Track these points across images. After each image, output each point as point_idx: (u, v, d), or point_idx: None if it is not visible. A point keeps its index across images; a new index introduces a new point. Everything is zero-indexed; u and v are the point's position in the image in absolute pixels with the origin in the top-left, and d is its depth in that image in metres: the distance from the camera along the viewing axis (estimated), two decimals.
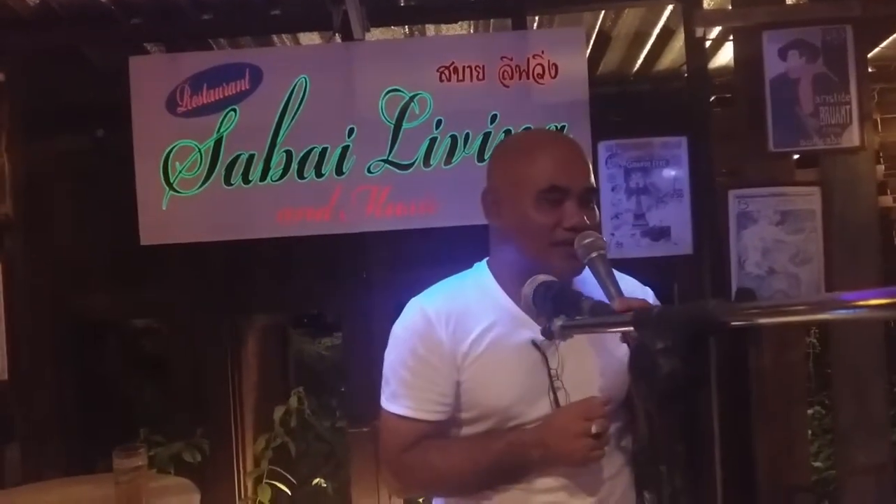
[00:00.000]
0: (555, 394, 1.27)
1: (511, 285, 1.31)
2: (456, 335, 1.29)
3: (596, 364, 1.29)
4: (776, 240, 2.55)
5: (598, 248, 1.19)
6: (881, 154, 3.45)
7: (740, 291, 2.45)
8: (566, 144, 1.35)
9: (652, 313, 0.79)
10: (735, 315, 0.71)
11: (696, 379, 0.73)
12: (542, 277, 1.20)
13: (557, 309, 1.11)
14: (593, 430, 1.18)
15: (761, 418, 2.62)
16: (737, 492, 2.64)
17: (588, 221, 1.24)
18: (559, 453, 1.21)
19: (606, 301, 1.11)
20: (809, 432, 3.23)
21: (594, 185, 1.31)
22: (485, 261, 1.40)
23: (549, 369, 1.27)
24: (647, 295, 1.37)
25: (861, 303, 0.57)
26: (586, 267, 1.22)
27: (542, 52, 2.61)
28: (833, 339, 2.71)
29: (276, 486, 2.92)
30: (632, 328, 0.83)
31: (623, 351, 1.26)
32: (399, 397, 1.31)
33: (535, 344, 1.27)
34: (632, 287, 1.36)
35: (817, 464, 3.24)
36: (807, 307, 0.69)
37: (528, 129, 2.47)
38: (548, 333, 1.11)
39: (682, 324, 0.74)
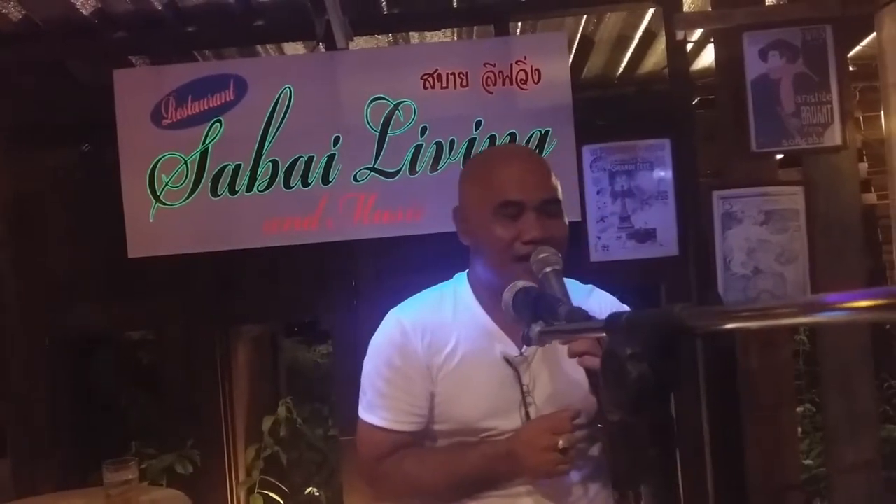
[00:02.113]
0: (526, 409, 1.29)
1: (486, 299, 1.34)
2: (431, 348, 1.32)
3: (568, 380, 1.29)
4: (761, 239, 2.57)
5: (552, 263, 1.20)
6: (864, 152, 3.47)
7: (704, 294, 2.48)
8: (522, 158, 1.40)
9: (621, 319, 0.79)
10: (701, 319, 0.71)
11: (665, 384, 0.74)
12: (521, 283, 1.21)
13: (536, 315, 1.12)
14: (560, 444, 1.19)
15: (751, 417, 2.63)
16: (727, 491, 2.65)
17: (548, 233, 1.26)
18: (526, 466, 1.22)
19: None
20: (800, 430, 3.25)
21: (555, 195, 1.31)
22: (465, 272, 1.42)
23: (521, 385, 1.29)
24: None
25: (839, 305, 0.56)
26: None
27: (525, 58, 2.63)
28: (820, 337, 2.73)
29: (268, 495, 2.92)
30: (603, 333, 0.84)
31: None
32: (375, 408, 1.34)
33: (507, 359, 1.29)
34: (607, 306, 1.38)
35: (808, 461, 3.25)
36: (777, 310, 0.70)
37: (504, 143, 2.52)
38: (526, 339, 1.12)
39: (650, 329, 0.74)
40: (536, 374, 1.30)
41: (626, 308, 1.41)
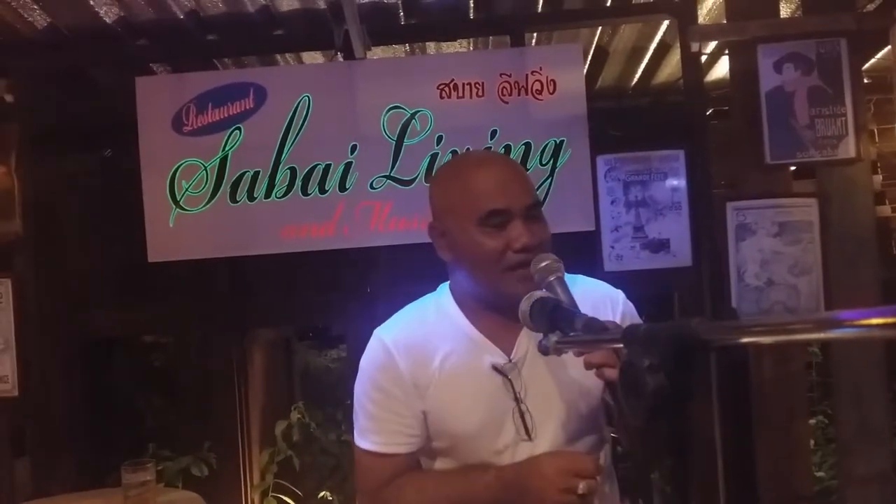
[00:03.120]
0: (521, 416, 1.25)
1: (471, 309, 1.30)
2: (416, 366, 1.28)
3: (560, 382, 1.27)
4: (774, 251, 2.58)
5: (555, 270, 1.17)
6: (878, 164, 3.47)
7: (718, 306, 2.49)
8: (498, 164, 1.35)
9: (639, 331, 0.82)
10: (717, 333, 0.74)
11: (681, 395, 0.76)
12: (538, 294, 1.20)
13: (552, 325, 1.14)
14: (580, 489, 1.13)
15: (763, 429, 2.64)
16: (740, 502, 2.65)
17: (537, 238, 1.22)
18: (537, 500, 1.17)
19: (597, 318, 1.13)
20: (812, 442, 3.24)
21: (537, 199, 1.29)
22: (448, 283, 1.37)
23: (515, 392, 1.25)
24: (617, 300, 1.36)
25: (852, 322, 0.56)
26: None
27: (541, 69, 2.65)
28: (833, 349, 2.73)
29: (282, 499, 2.95)
30: (620, 345, 0.86)
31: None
32: (368, 432, 1.30)
33: (496, 368, 1.26)
34: (601, 295, 1.34)
35: (820, 473, 3.24)
36: (791, 326, 0.71)
37: (467, 150, 2.52)
38: (543, 349, 1.13)
39: (667, 341, 0.76)
40: (528, 379, 1.27)
41: (617, 291, 1.38)
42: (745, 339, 0.75)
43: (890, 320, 0.53)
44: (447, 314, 1.31)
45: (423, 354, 1.28)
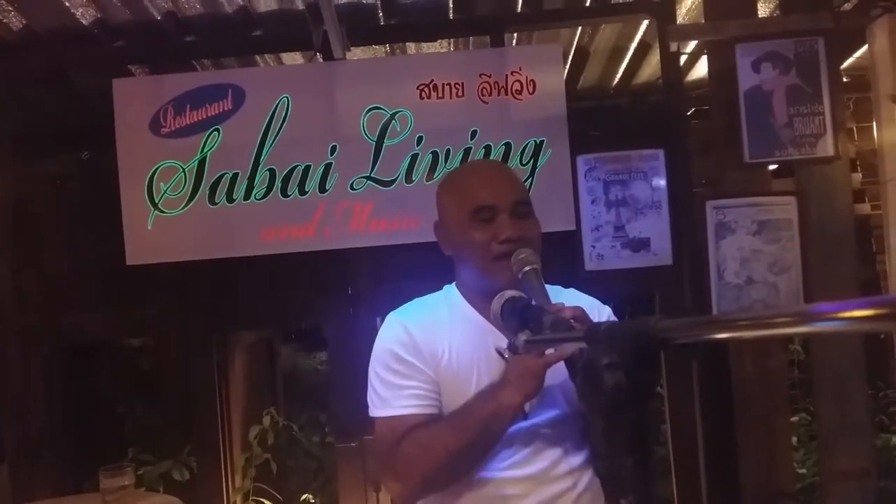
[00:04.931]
0: None
1: (475, 300, 1.44)
2: (430, 345, 1.38)
3: (559, 370, 1.28)
4: (754, 249, 2.58)
5: (531, 263, 1.30)
6: (858, 162, 3.49)
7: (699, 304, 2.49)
8: (490, 167, 1.60)
9: (600, 329, 0.81)
10: (674, 330, 0.73)
11: (640, 392, 0.76)
12: (509, 293, 1.24)
13: (522, 324, 1.15)
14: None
15: (744, 426, 2.64)
16: (722, 500, 2.66)
17: (522, 232, 1.36)
18: (520, 378, 1.22)
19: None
20: (795, 439, 3.26)
21: (524, 197, 1.43)
22: (454, 283, 1.52)
23: None
24: (604, 313, 1.47)
25: (829, 315, 0.53)
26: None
27: (521, 69, 2.65)
28: (813, 346, 2.74)
29: (263, 502, 2.93)
30: (584, 344, 0.86)
31: None
32: (388, 400, 1.36)
33: (499, 352, 1.34)
34: (588, 304, 1.43)
35: (802, 470, 3.26)
36: (757, 321, 0.70)
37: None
38: (513, 348, 1.14)
39: (626, 339, 0.76)
40: None
41: (605, 306, 1.49)
42: (706, 336, 0.74)
43: (867, 312, 0.50)
44: (454, 304, 1.46)
45: (435, 336, 1.39)
